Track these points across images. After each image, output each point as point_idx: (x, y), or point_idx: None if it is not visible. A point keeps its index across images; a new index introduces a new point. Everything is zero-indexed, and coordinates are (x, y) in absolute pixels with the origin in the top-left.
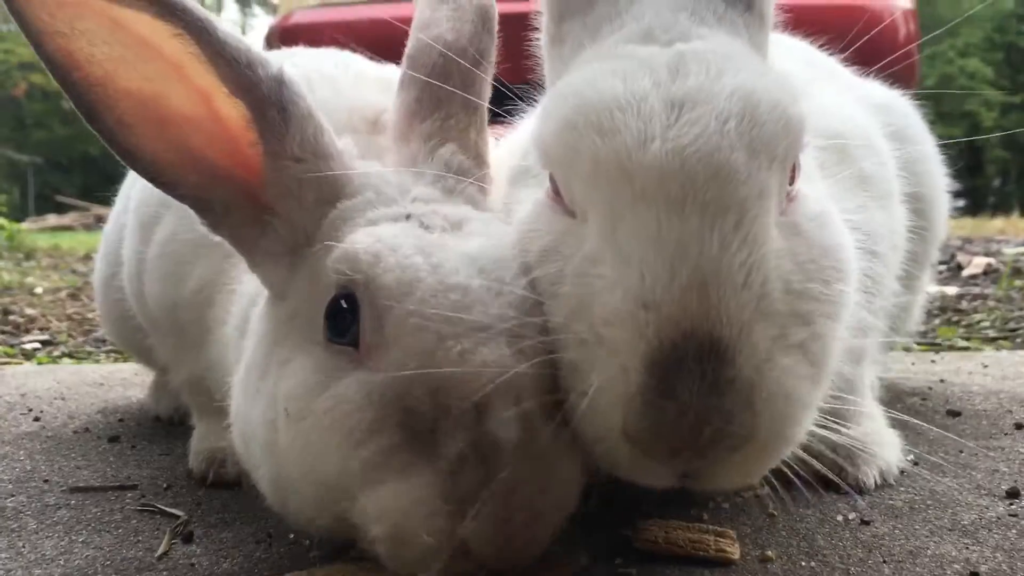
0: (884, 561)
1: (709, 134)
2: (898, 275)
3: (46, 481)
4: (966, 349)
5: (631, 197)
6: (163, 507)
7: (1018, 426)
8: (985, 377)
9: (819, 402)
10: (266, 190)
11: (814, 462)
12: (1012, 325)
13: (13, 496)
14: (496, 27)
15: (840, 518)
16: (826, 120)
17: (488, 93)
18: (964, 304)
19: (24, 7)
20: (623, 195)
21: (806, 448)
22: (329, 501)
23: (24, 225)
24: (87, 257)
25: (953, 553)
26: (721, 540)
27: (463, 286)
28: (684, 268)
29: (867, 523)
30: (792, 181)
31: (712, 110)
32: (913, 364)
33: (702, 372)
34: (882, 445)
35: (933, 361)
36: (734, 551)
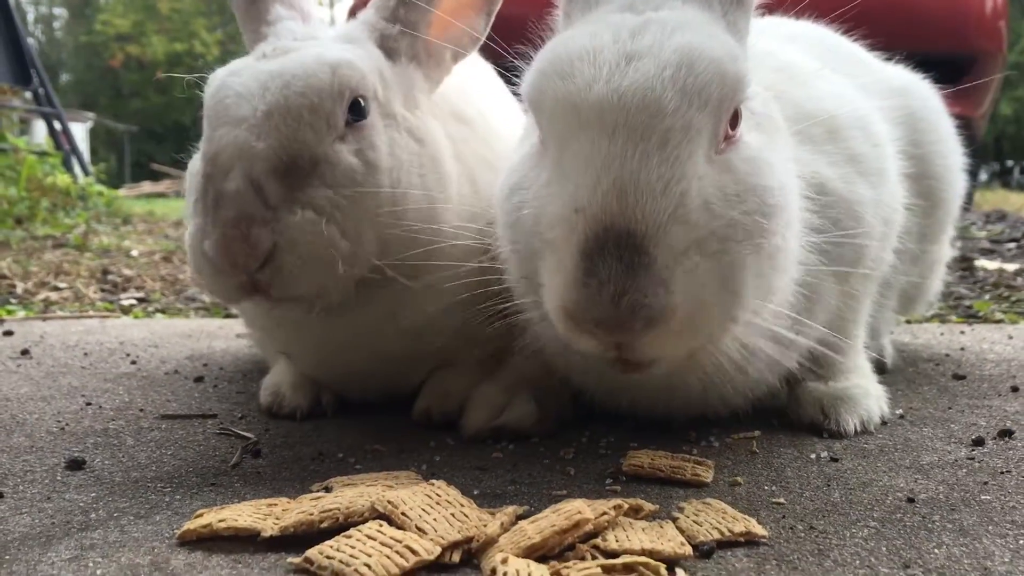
0: (837, 488)
1: (648, 79)
2: (896, 248)
3: (141, 410)
4: (1001, 322)
5: (578, 128)
6: (237, 431)
7: (1014, 389)
8: (1006, 347)
9: (734, 308)
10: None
11: (800, 408)
12: None
13: (114, 420)
14: None
15: (813, 456)
16: (821, 103)
17: None
18: (1019, 281)
19: None
20: (572, 127)
21: (794, 395)
22: None
23: (121, 192)
24: (179, 223)
25: (900, 484)
26: (698, 467)
27: (237, 92)
28: (607, 177)
29: (836, 460)
30: (734, 126)
31: (655, 61)
32: (942, 334)
33: (619, 256)
34: (867, 397)
35: (963, 332)
36: (708, 476)
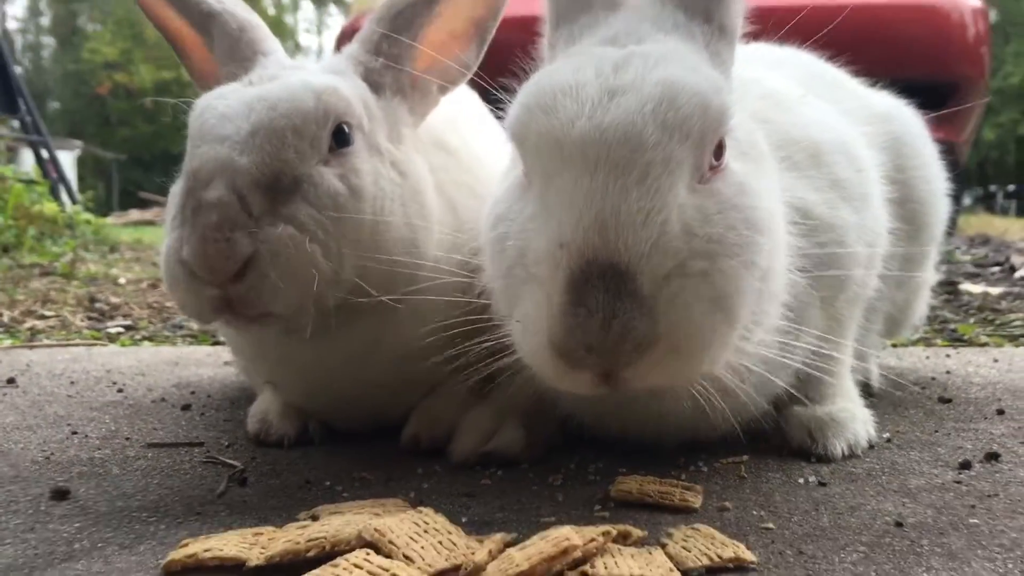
0: (826, 512)
1: (630, 114)
2: (880, 273)
3: (127, 439)
4: (986, 345)
5: (561, 163)
6: (224, 459)
7: (1000, 411)
8: (991, 370)
9: (729, 326)
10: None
11: (787, 432)
12: None
13: (100, 449)
14: None
15: (802, 480)
16: (805, 129)
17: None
18: (1003, 304)
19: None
20: (555, 162)
21: (781, 420)
22: None
23: (108, 219)
24: None
25: (889, 508)
26: (687, 492)
27: (222, 113)
28: (589, 212)
29: (824, 485)
30: (719, 157)
31: (637, 96)
32: (928, 358)
33: (606, 286)
34: (854, 421)
35: (948, 355)
36: (696, 501)
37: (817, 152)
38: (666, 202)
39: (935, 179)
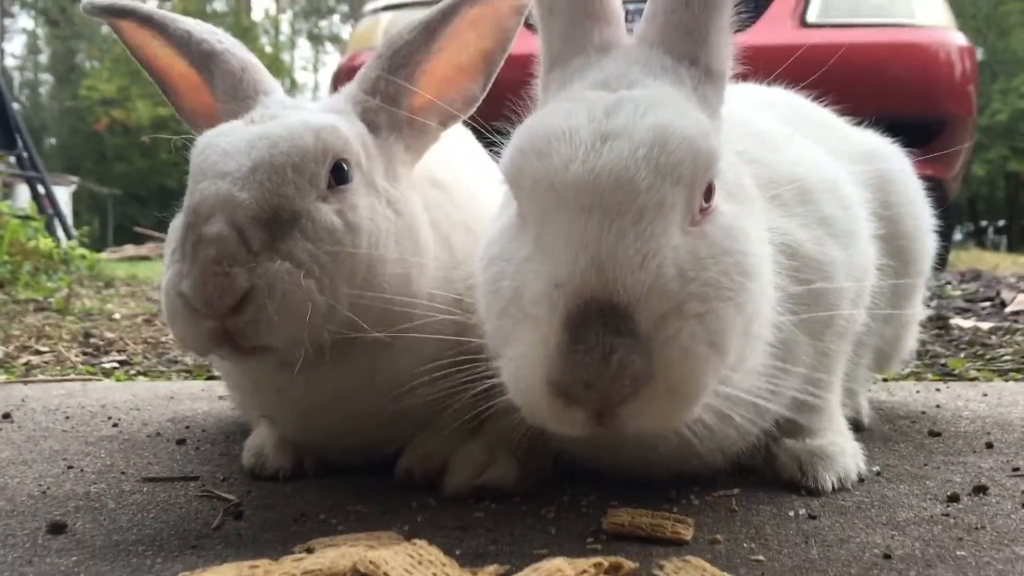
0: (815, 545)
1: (622, 159)
2: (868, 308)
3: (123, 473)
4: (975, 380)
5: (556, 207)
6: (220, 493)
7: (988, 445)
8: (980, 404)
9: (720, 368)
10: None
11: (778, 466)
12: None
13: (95, 484)
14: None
15: (792, 513)
16: (792, 169)
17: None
18: (993, 339)
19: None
20: (550, 205)
21: (772, 453)
22: None
23: (103, 255)
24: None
25: (877, 541)
26: (678, 525)
27: (223, 150)
28: (586, 254)
29: (814, 518)
30: (708, 199)
31: (629, 141)
32: (918, 392)
33: (604, 323)
34: (843, 454)
35: (938, 390)
36: (687, 533)
37: (804, 190)
38: (661, 245)
39: (921, 215)
